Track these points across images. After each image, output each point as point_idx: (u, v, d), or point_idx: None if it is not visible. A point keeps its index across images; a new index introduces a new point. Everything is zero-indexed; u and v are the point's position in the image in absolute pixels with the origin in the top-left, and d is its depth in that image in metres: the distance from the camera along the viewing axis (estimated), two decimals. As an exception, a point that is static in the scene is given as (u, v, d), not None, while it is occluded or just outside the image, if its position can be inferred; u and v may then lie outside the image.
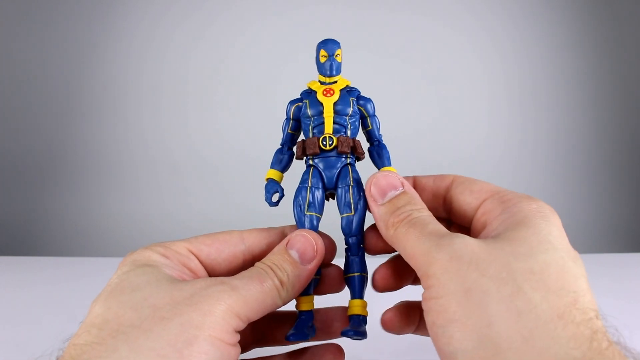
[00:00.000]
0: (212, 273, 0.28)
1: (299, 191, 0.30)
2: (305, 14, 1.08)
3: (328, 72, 0.31)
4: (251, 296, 0.23)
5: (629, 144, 1.10)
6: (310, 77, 0.33)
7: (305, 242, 0.26)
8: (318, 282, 0.30)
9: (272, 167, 0.32)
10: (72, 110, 1.10)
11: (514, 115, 1.10)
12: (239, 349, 0.23)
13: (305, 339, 0.28)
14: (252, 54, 1.09)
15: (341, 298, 0.31)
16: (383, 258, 0.30)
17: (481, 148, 1.09)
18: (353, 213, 0.29)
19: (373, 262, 0.30)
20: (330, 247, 0.30)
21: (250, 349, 0.31)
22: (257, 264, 0.26)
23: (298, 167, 0.32)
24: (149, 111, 1.10)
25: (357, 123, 0.31)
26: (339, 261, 0.31)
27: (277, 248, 0.27)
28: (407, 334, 0.29)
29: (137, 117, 1.10)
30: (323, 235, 0.30)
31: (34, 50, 1.09)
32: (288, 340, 0.27)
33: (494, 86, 1.10)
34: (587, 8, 1.09)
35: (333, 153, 0.30)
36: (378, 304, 0.30)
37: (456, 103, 1.09)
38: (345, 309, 0.30)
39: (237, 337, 0.23)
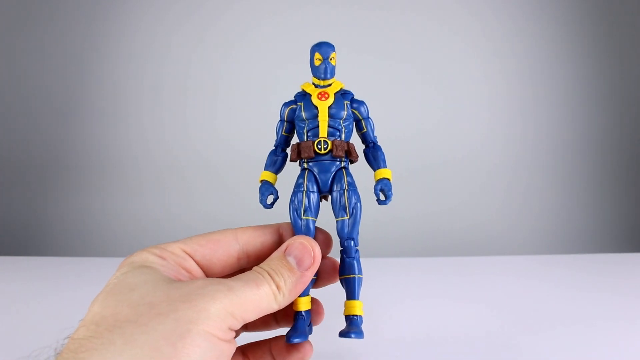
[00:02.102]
0: (207, 272, 0.29)
1: (294, 195, 0.30)
2: (306, 14, 1.09)
3: (322, 76, 0.31)
4: (246, 298, 0.24)
5: (629, 143, 1.10)
6: (310, 77, 0.33)
7: (304, 250, 0.27)
8: (314, 281, 0.31)
9: (266, 169, 0.32)
10: (73, 111, 1.10)
11: (514, 115, 1.10)
12: (233, 346, 0.24)
13: (306, 338, 0.28)
14: (253, 54, 1.09)
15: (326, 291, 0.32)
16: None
17: (480, 148, 1.09)
18: (348, 216, 0.30)
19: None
20: (326, 242, 0.31)
21: (238, 335, 0.32)
22: (255, 268, 0.26)
23: (292, 168, 0.33)
24: (150, 112, 1.10)
25: (351, 126, 0.32)
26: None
27: (276, 254, 0.27)
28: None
29: (138, 118, 1.10)
30: (320, 231, 0.31)
31: (36, 52, 1.09)
32: (290, 343, 0.28)
33: (493, 87, 1.10)
34: (587, 8, 1.10)
35: (327, 157, 0.30)
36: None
37: (456, 104, 1.09)
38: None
39: (232, 334, 0.24)
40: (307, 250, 0.27)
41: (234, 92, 1.10)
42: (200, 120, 1.10)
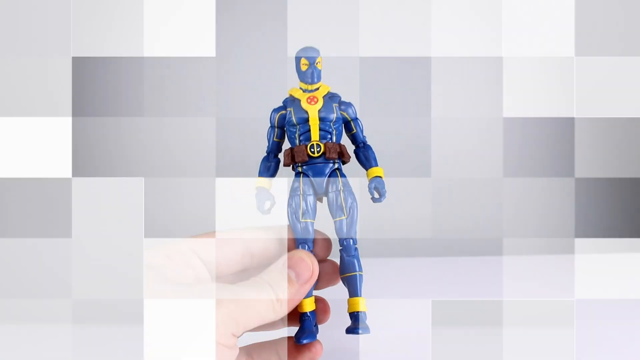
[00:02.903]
0: (212, 271, 0.29)
1: (291, 199, 0.31)
2: (306, 14, 1.08)
3: (309, 80, 0.32)
4: (249, 305, 0.25)
5: (630, 142, 1.10)
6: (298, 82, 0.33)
7: (303, 266, 0.28)
8: (316, 284, 0.31)
9: (260, 175, 0.33)
10: (73, 110, 1.10)
11: (514, 114, 1.10)
12: (235, 351, 0.24)
13: (315, 338, 0.30)
14: (253, 54, 1.09)
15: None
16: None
17: (478, 147, 1.08)
18: (346, 216, 0.31)
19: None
20: (326, 246, 0.32)
21: (241, 335, 0.33)
22: (253, 279, 0.27)
23: (284, 172, 0.34)
24: (149, 111, 1.10)
25: (340, 128, 0.33)
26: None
27: (275, 266, 0.28)
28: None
29: (137, 117, 1.10)
30: (319, 234, 0.31)
31: (35, 51, 1.09)
32: (300, 344, 0.29)
33: (492, 86, 1.09)
34: (590, 6, 1.09)
35: (321, 159, 0.31)
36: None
37: (455, 102, 1.09)
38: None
39: (235, 340, 0.24)
40: (306, 265, 0.28)
41: (234, 91, 1.10)
42: (200, 121, 1.10)
